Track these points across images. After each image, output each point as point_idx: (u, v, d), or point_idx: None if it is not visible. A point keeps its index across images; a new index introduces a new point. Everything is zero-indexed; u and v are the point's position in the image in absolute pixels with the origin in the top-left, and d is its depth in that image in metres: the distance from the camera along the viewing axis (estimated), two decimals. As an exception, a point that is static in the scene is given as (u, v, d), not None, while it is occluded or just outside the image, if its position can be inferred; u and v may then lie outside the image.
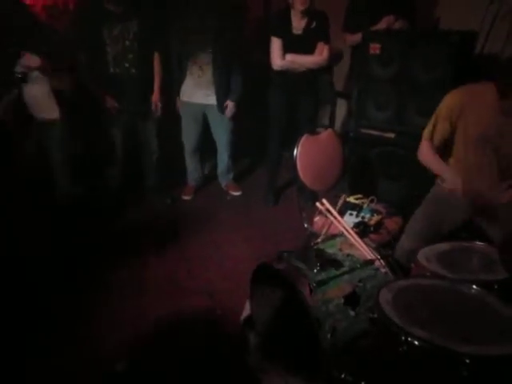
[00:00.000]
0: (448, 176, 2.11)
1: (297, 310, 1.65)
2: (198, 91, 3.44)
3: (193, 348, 2.17)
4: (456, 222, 2.16)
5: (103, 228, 3.25)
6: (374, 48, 2.85)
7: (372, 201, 2.50)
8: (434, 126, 2.11)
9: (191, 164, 3.81)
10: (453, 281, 1.56)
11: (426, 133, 2.15)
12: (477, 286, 1.49)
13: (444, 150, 2.16)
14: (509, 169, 2.02)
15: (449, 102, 2.06)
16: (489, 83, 1.93)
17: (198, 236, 3.21)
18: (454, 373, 1.19)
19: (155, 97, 3.38)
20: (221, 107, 3.45)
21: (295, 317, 1.70)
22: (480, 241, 1.90)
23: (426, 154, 2.16)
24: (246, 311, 2.12)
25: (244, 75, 3.51)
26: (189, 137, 3.66)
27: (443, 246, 1.86)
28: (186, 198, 3.82)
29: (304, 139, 2.46)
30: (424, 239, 2.08)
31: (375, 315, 1.40)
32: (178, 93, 3.51)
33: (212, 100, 3.44)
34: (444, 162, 2.14)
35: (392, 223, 2.35)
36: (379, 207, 2.46)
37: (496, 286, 1.53)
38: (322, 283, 1.68)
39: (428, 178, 2.27)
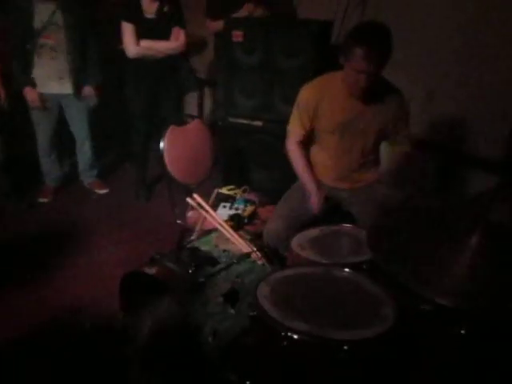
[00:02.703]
0: (311, 191, 2.08)
1: (173, 317, 1.53)
2: (50, 79, 3.04)
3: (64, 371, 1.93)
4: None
5: None
6: (237, 35, 2.80)
7: (245, 191, 2.47)
8: (296, 119, 2.12)
9: (47, 162, 3.38)
10: (326, 266, 1.58)
11: (290, 126, 2.16)
12: (348, 268, 1.53)
13: (308, 140, 2.19)
14: (368, 148, 2.14)
15: (303, 98, 2.09)
16: (338, 72, 2.02)
17: (61, 243, 2.87)
18: (335, 361, 1.19)
19: None
20: (78, 94, 3.11)
21: (171, 324, 1.58)
22: (347, 222, 1.98)
23: (294, 161, 2.15)
24: (119, 322, 1.94)
25: (104, 62, 3.22)
26: (42, 132, 3.24)
27: (313, 232, 1.88)
28: (43, 200, 3.39)
29: (170, 131, 2.32)
30: (287, 222, 2.06)
31: (255, 312, 1.35)
32: (26, 81, 3.02)
33: (67, 88, 3.08)
34: (312, 176, 2.12)
35: (265, 212, 2.34)
36: (252, 197, 2.44)
37: (364, 266, 1.59)
38: (198, 284, 1.58)
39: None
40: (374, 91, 1.95)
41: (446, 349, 1.32)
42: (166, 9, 2.99)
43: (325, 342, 1.20)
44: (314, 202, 2.05)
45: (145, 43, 3.01)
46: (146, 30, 2.99)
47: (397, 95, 2.06)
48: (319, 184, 2.13)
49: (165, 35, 3.05)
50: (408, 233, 1.21)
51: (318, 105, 2.05)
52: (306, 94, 2.09)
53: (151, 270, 1.60)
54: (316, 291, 1.43)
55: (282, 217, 2.10)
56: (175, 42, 3.07)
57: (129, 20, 2.95)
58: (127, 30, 2.97)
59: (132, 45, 2.98)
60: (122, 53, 3.05)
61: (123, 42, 3.00)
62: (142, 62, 3.06)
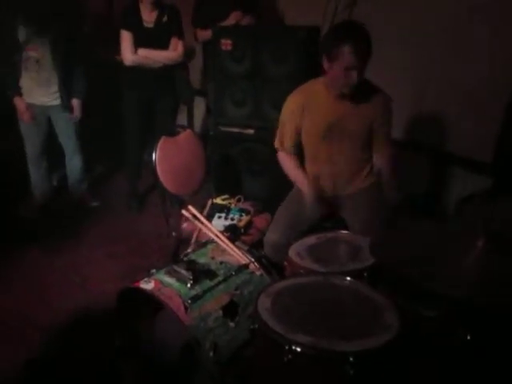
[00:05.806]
0: (307, 192, 2.08)
1: (172, 333, 1.50)
2: (38, 90, 3.00)
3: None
4: (316, 216, 2.18)
5: None
6: (226, 44, 2.79)
7: (239, 200, 2.45)
8: (283, 133, 2.14)
9: (36, 175, 3.31)
10: (325, 275, 1.56)
11: (277, 142, 2.18)
12: (348, 276, 1.51)
13: (298, 152, 2.18)
14: (359, 150, 2.13)
15: (289, 107, 2.11)
16: (318, 78, 2.06)
17: (51, 258, 2.81)
18: (342, 373, 1.17)
19: None
20: (66, 106, 3.07)
21: (171, 340, 1.55)
22: (343, 229, 1.97)
23: (286, 166, 2.18)
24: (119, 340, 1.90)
25: (92, 74, 3.19)
26: (31, 144, 3.18)
27: (310, 240, 1.87)
28: (31, 214, 3.31)
29: (162, 142, 2.30)
30: (289, 231, 2.06)
31: (256, 326, 1.32)
32: (15, 90, 2.97)
33: (56, 100, 3.05)
34: (304, 175, 2.14)
35: (261, 221, 2.32)
36: (247, 206, 2.42)
37: (365, 274, 1.57)
38: (196, 298, 1.55)
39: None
40: (360, 92, 1.96)
41: (452, 355, 1.31)
42: (165, 19, 3.00)
43: (329, 355, 1.18)
44: (310, 197, 2.04)
45: (142, 52, 3.01)
46: (144, 39, 2.99)
47: (381, 94, 2.07)
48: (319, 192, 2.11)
49: (163, 45, 3.05)
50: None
51: (304, 110, 2.06)
52: (291, 103, 2.11)
53: (148, 286, 1.56)
54: (318, 301, 1.41)
55: (282, 226, 2.09)
56: (173, 51, 3.07)
57: (127, 28, 2.96)
58: (125, 38, 2.97)
59: (129, 53, 2.98)
60: (120, 63, 3.03)
61: (121, 51, 2.99)
62: (138, 71, 3.05)
